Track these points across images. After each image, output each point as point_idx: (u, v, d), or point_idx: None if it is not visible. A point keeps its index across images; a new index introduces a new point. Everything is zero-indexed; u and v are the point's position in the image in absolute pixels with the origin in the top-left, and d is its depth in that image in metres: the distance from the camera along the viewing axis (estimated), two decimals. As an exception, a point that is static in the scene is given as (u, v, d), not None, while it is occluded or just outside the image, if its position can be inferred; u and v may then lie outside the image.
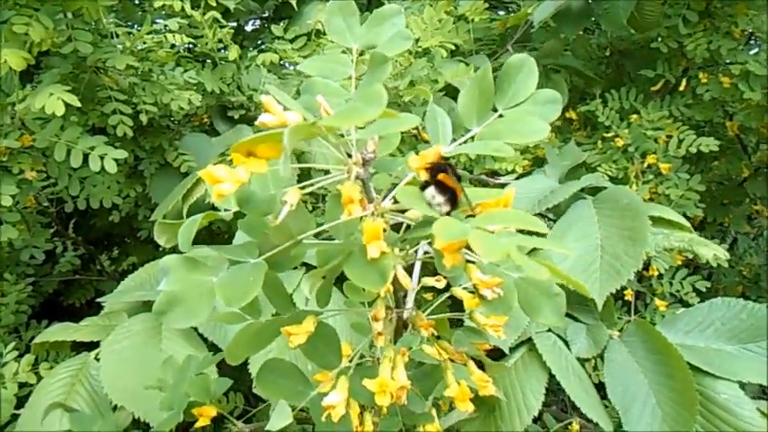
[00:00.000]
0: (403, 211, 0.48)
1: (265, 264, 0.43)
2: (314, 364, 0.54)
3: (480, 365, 0.60)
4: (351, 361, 0.57)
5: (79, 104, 1.12)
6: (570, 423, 1.47)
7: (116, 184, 1.52)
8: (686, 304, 1.45)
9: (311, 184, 0.43)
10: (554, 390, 2.43)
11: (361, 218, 0.45)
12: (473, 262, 0.48)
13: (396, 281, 0.54)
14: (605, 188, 1.12)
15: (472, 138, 0.50)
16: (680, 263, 1.42)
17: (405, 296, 0.56)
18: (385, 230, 0.45)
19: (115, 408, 0.92)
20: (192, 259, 0.45)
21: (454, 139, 0.50)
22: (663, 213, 1.06)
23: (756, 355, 0.95)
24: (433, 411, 0.73)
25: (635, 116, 1.46)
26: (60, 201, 1.66)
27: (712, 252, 0.96)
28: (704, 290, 1.42)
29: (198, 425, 0.71)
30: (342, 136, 0.47)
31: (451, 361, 0.58)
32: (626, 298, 1.48)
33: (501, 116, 0.50)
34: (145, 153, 1.62)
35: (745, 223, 1.88)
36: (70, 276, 2.04)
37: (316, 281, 0.39)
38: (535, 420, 1.58)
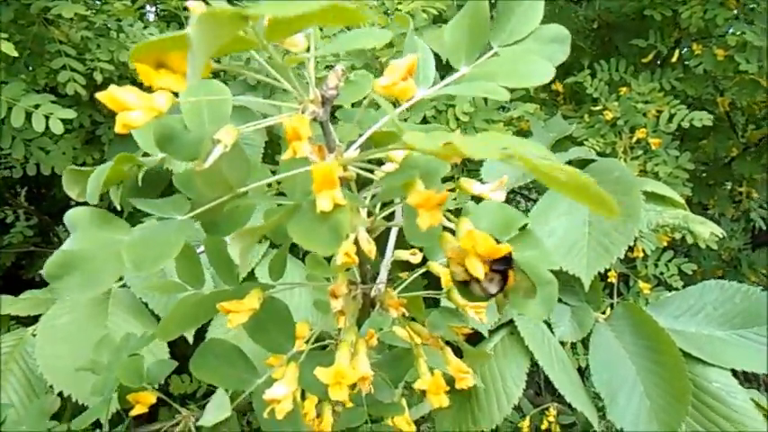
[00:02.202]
0: (372, 163, 0.39)
1: (191, 222, 0.34)
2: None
3: (458, 353, 0.52)
4: (307, 343, 0.48)
5: (16, 54, 1.00)
6: (548, 408, 1.41)
7: (71, 150, 1.40)
8: (669, 287, 1.39)
9: (255, 124, 0.34)
10: (529, 372, 2.38)
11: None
12: (452, 231, 0.39)
13: (360, 252, 0.46)
14: (594, 161, 1.04)
15: (460, 80, 0.41)
16: (666, 243, 1.36)
17: (371, 270, 0.48)
18: (347, 185, 0.36)
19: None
20: (104, 213, 0.36)
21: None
22: (656, 188, 0.99)
23: (751, 342, 0.89)
24: (403, 401, 0.65)
25: (624, 88, 1.39)
26: (9, 166, 1.54)
27: (709, 230, 0.89)
28: (690, 272, 1.36)
29: (133, 413, 0.62)
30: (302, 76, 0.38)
31: (425, 346, 0.50)
32: (609, 280, 1.42)
33: (496, 54, 0.41)
34: (103, 117, 1.50)
35: (729, 205, 1.83)
36: (25, 248, 1.92)
37: (245, 241, 0.30)
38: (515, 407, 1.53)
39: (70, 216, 0.37)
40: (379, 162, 0.44)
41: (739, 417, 0.82)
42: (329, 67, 1.04)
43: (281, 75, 0.33)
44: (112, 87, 0.29)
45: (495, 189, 0.42)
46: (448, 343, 0.50)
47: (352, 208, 0.35)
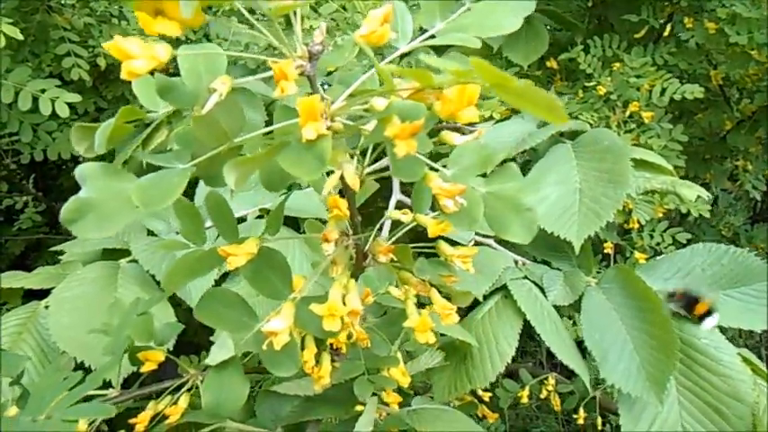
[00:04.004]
0: (358, 118, 0.42)
1: (192, 168, 0.38)
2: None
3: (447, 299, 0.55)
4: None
5: (21, 37, 1.03)
6: (546, 378, 1.45)
7: (76, 135, 1.44)
8: (665, 258, 1.42)
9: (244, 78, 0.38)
10: (531, 351, 2.41)
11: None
12: (436, 170, 0.43)
13: (351, 205, 0.49)
14: (585, 132, 1.07)
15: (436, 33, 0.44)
16: (661, 215, 1.38)
17: (361, 221, 0.51)
18: (335, 132, 0.40)
19: (67, 360, 0.86)
20: (112, 167, 0.40)
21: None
22: (645, 156, 1.02)
23: (736, 301, 0.92)
24: (399, 355, 0.69)
25: (617, 64, 1.41)
26: (17, 153, 1.58)
27: (695, 193, 0.92)
28: (684, 242, 1.39)
29: (144, 369, 0.65)
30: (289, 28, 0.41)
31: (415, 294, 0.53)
32: (606, 251, 1.45)
33: (469, 9, 0.44)
34: (107, 103, 1.53)
35: (726, 179, 1.85)
36: (34, 235, 1.97)
37: (240, 170, 0.33)
38: (512, 376, 1.57)
39: (80, 170, 0.40)
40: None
41: (726, 370, 0.85)
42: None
43: (269, 29, 0.36)
44: (117, 38, 0.32)
45: (474, 138, 0.45)
46: (435, 287, 0.53)
47: (336, 147, 0.39)
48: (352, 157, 0.46)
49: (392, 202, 1.00)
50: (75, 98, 1.18)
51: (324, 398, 0.65)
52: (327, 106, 0.41)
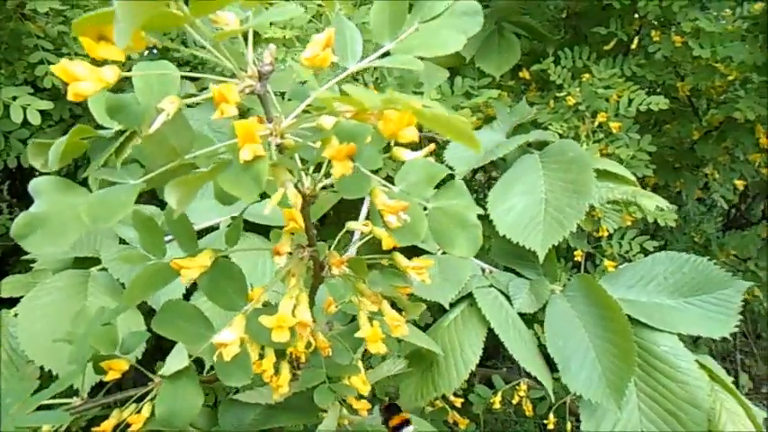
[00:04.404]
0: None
1: (142, 184, 0.39)
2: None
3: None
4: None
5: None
6: (518, 383, 1.47)
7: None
8: (634, 266, 1.45)
9: (193, 95, 0.39)
10: (510, 356, 2.43)
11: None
12: (386, 187, 0.44)
13: (306, 217, 0.51)
14: (552, 142, 1.09)
15: (385, 54, 0.45)
16: (629, 224, 1.41)
17: (317, 234, 0.52)
18: (290, 155, 0.41)
19: (37, 369, 0.86)
20: (66, 181, 0.41)
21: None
22: (608, 167, 1.05)
23: (696, 308, 0.95)
24: (360, 364, 0.70)
25: (587, 75, 1.44)
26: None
27: (655, 203, 0.94)
28: (652, 249, 1.42)
29: (108, 378, 0.66)
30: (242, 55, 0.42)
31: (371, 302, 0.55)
32: (576, 259, 1.47)
33: (417, 30, 0.45)
34: (82, 110, 1.53)
35: (696, 188, 1.89)
36: (10, 244, 1.95)
37: (182, 191, 0.34)
38: (489, 384, 1.58)
39: (34, 184, 0.42)
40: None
41: (684, 377, 0.88)
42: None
43: (217, 51, 0.38)
44: (64, 61, 0.33)
45: (424, 155, 0.46)
46: (387, 299, 0.54)
47: (281, 166, 0.40)
48: (306, 171, 0.47)
49: (362, 214, 1.01)
50: (47, 105, 1.18)
51: (286, 406, 0.67)
52: (278, 123, 0.43)
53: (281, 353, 0.63)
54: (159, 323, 0.50)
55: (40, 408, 0.62)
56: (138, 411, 0.67)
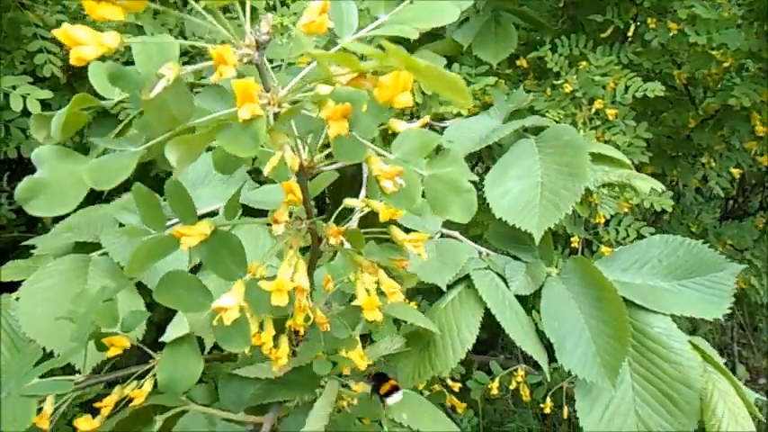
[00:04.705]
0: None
1: (143, 151, 0.40)
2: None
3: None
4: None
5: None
6: (516, 369, 1.48)
7: (50, 132, 1.44)
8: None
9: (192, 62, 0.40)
10: (508, 347, 2.43)
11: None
12: (382, 155, 0.45)
13: (304, 189, 0.52)
14: (548, 127, 1.10)
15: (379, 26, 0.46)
16: (626, 210, 1.42)
17: (315, 207, 0.53)
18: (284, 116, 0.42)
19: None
20: (67, 150, 0.42)
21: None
22: (603, 150, 1.06)
23: (689, 290, 0.96)
24: (358, 338, 0.71)
25: (584, 63, 1.45)
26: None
27: (649, 185, 0.95)
28: (648, 236, 1.42)
29: (110, 354, 0.67)
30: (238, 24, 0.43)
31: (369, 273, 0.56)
32: (573, 245, 1.49)
33: (412, 2, 0.46)
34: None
35: (692, 176, 1.90)
36: (10, 236, 1.96)
37: (182, 150, 0.35)
38: (486, 370, 1.59)
39: (37, 153, 0.43)
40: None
41: (677, 357, 0.89)
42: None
43: (215, 18, 0.39)
44: (66, 25, 0.34)
45: (419, 125, 0.48)
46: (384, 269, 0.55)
47: (279, 129, 0.41)
48: (304, 142, 0.48)
49: (361, 194, 1.02)
50: (46, 95, 1.19)
51: (286, 381, 0.68)
52: (275, 92, 0.43)
53: (280, 327, 0.64)
54: (160, 292, 0.51)
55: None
56: (140, 387, 0.68)
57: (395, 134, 0.51)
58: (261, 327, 0.60)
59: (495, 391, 1.46)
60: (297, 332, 0.65)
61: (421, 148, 0.45)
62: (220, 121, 0.37)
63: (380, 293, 0.57)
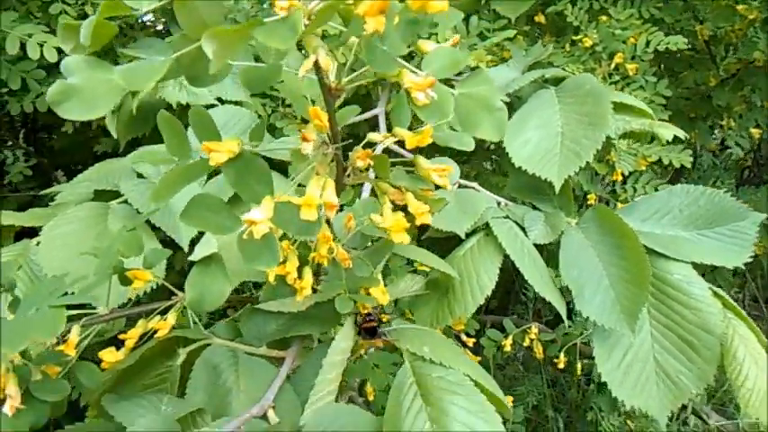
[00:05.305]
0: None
1: (173, 58, 0.39)
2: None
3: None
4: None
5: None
6: (529, 327, 1.49)
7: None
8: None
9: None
10: (519, 312, 2.42)
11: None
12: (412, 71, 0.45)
13: (330, 111, 0.51)
14: (568, 77, 1.09)
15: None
16: (644, 167, 1.41)
17: (338, 133, 0.53)
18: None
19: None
20: (97, 60, 0.41)
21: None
22: (625, 99, 1.04)
23: (710, 240, 0.95)
24: (380, 276, 0.71)
25: (604, 17, 1.42)
26: (3, 106, 1.58)
27: (672, 133, 0.94)
28: (667, 192, 1.41)
29: (134, 287, 0.68)
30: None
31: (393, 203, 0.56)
32: (589, 203, 1.48)
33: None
34: (96, 56, 1.53)
35: (710, 139, 1.88)
36: (27, 192, 1.97)
37: (218, 41, 0.35)
38: (500, 329, 1.60)
39: (66, 62, 0.42)
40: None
41: (697, 304, 0.88)
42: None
43: None
44: None
45: (450, 44, 0.47)
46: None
47: (312, 33, 0.41)
48: (333, 56, 0.47)
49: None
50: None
51: (308, 316, 0.68)
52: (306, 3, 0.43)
53: (303, 260, 0.64)
54: (187, 216, 0.51)
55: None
56: (164, 320, 0.69)
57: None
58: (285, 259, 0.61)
59: (508, 348, 1.46)
60: (318, 272, 0.65)
61: (451, 65, 0.45)
62: (257, 19, 0.36)
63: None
